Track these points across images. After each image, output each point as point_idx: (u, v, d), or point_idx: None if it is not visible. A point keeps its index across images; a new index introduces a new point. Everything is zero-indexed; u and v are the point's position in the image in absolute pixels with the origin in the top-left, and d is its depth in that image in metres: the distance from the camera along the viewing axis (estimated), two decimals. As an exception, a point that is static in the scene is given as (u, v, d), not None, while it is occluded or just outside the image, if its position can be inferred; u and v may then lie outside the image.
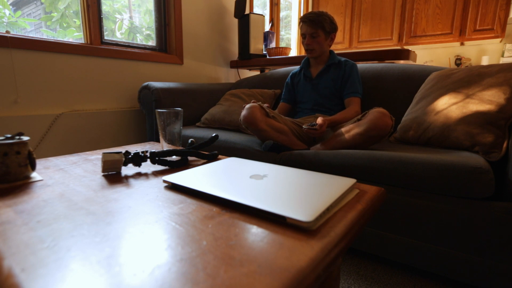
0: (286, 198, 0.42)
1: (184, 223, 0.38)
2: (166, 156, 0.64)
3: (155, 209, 0.42)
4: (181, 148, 0.72)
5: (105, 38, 1.67)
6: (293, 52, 3.70)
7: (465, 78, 1.13)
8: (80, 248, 0.32)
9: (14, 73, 1.31)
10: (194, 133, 1.49)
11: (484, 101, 1.02)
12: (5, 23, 1.35)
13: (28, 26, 1.44)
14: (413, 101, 1.26)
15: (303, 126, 1.17)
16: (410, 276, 0.96)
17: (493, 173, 0.79)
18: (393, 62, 1.68)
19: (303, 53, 3.80)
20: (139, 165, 0.62)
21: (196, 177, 0.52)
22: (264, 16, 2.26)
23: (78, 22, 1.58)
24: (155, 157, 0.63)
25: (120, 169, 0.61)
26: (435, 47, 3.38)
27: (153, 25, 1.98)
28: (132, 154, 0.62)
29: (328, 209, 0.40)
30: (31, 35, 1.41)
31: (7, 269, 0.28)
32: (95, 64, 1.59)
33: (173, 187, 0.52)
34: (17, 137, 0.57)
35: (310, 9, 3.83)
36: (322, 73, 1.46)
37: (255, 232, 0.35)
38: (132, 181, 0.55)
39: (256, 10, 3.00)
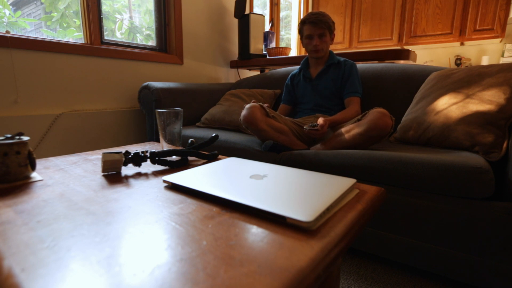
0: (286, 198, 0.42)
1: (184, 223, 0.38)
2: (166, 156, 0.64)
3: (155, 209, 0.42)
4: (181, 148, 0.72)
5: (105, 38, 1.67)
6: (293, 52, 3.70)
7: (465, 78, 1.13)
8: (80, 248, 0.32)
9: (14, 73, 1.31)
10: (194, 133, 1.49)
11: (484, 101, 1.02)
12: (5, 23, 1.35)
13: (28, 26, 1.44)
14: (413, 101, 1.26)
15: (304, 127, 1.17)
16: (410, 276, 0.96)
17: (493, 173, 0.79)
18: (393, 62, 1.68)
19: (303, 53, 3.80)
20: (139, 165, 0.62)
21: (196, 177, 0.52)
22: (264, 16, 2.26)
23: (78, 22, 1.58)
24: (155, 157, 0.63)
25: (120, 169, 0.61)
26: (435, 47, 3.38)
27: (153, 25, 1.98)
28: (132, 154, 0.62)
29: (328, 209, 0.40)
30: (31, 35, 1.41)
31: (7, 269, 0.28)
32: (95, 64, 1.59)
33: (173, 187, 0.52)
34: (17, 137, 0.57)
35: (310, 9, 3.83)
36: (322, 73, 1.46)
37: (255, 232, 0.35)
38: (132, 181, 0.55)
39: (256, 10, 3.00)
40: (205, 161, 0.72)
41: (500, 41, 3.04)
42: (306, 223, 0.35)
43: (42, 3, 1.47)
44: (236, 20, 2.51)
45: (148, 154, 0.73)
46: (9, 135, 0.56)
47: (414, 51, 1.82)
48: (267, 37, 2.46)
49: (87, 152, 0.81)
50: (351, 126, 1.12)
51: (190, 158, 0.74)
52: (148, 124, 1.66)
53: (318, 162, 1.03)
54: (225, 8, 2.38)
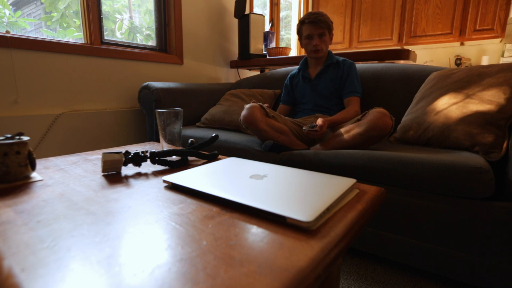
0: (286, 198, 0.42)
1: (184, 223, 0.38)
2: (166, 156, 0.64)
3: (155, 209, 0.42)
4: (181, 148, 0.72)
5: (105, 38, 1.67)
6: (293, 52, 3.70)
7: (465, 78, 1.13)
8: (80, 248, 0.32)
9: (14, 73, 1.31)
10: (194, 133, 1.49)
11: (484, 101, 1.02)
12: (5, 23, 1.35)
13: (28, 26, 1.44)
14: (413, 101, 1.26)
15: (303, 128, 1.17)
16: (410, 276, 0.96)
17: (493, 173, 0.79)
18: (393, 62, 1.68)
19: (303, 53, 3.80)
20: (139, 165, 0.62)
21: (196, 177, 0.52)
22: (264, 16, 2.26)
23: (78, 22, 1.58)
24: (155, 157, 0.63)
25: (120, 169, 0.61)
26: (435, 47, 3.38)
27: (153, 25, 1.98)
28: (132, 154, 0.62)
29: (328, 209, 0.40)
30: (31, 35, 1.41)
31: (7, 269, 0.28)
32: (95, 64, 1.59)
33: (173, 187, 0.52)
34: (17, 137, 0.57)
35: (310, 9, 3.83)
36: (321, 73, 1.46)
37: (255, 232, 0.35)
38: (132, 181, 0.55)
39: (256, 10, 3.00)
40: (205, 161, 0.72)
41: (500, 41, 3.04)
42: (306, 223, 0.35)
43: (42, 3, 1.47)
44: (236, 20, 2.51)
45: (148, 154, 0.73)
46: (9, 135, 0.56)
47: (414, 51, 1.82)
48: (267, 37, 2.46)
49: (87, 152, 0.81)
50: (351, 126, 1.12)
51: (190, 158, 0.74)
52: (148, 124, 1.66)
53: (318, 162, 1.03)
54: (225, 8, 2.38)
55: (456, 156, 0.88)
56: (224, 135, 1.37)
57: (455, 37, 3.02)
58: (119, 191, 0.50)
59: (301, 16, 3.68)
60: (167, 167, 0.65)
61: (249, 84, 1.99)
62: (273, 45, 2.53)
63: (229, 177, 0.52)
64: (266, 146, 1.15)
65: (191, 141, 0.79)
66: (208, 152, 0.98)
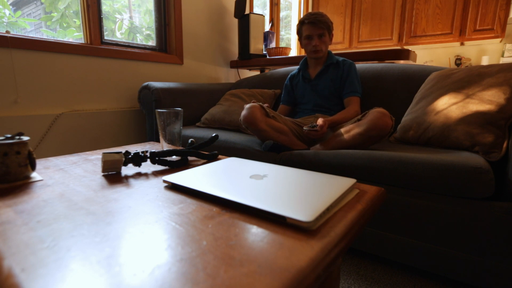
0: (286, 198, 0.42)
1: (184, 223, 0.38)
2: (166, 156, 0.64)
3: (155, 209, 0.42)
4: (181, 148, 0.72)
5: (105, 38, 1.67)
6: (293, 52, 3.70)
7: (465, 78, 1.13)
8: (80, 248, 0.32)
9: (14, 73, 1.31)
10: (194, 133, 1.49)
11: (484, 101, 1.02)
12: (5, 23, 1.35)
13: (28, 26, 1.44)
14: (413, 101, 1.26)
15: (304, 128, 1.17)
16: (410, 276, 0.96)
17: (493, 173, 0.79)
18: (393, 62, 1.68)
19: (303, 53, 3.80)
20: (139, 165, 0.62)
21: (196, 177, 0.52)
22: (264, 16, 2.26)
23: (78, 22, 1.58)
24: (155, 157, 0.63)
25: (120, 169, 0.61)
26: (435, 47, 3.38)
27: (153, 25, 1.98)
28: (132, 154, 0.62)
29: (328, 209, 0.40)
30: (31, 35, 1.41)
31: (7, 269, 0.28)
32: (95, 64, 1.59)
33: (173, 187, 0.52)
34: (17, 137, 0.57)
35: (310, 9, 3.83)
36: (321, 73, 1.46)
37: (255, 232, 0.35)
38: (132, 181, 0.55)
39: (256, 10, 3.00)
40: (205, 161, 0.72)
41: (500, 41, 3.04)
42: (306, 223, 0.35)
43: (42, 3, 1.47)
44: (236, 20, 2.51)
45: (148, 154, 0.73)
46: (9, 135, 0.56)
47: (414, 51, 1.82)
48: (267, 37, 2.46)
49: (87, 152, 0.81)
50: (351, 126, 1.12)
51: (190, 158, 0.74)
52: (148, 124, 1.66)
53: (318, 162, 1.03)
54: (225, 8, 2.38)
55: (456, 156, 0.88)
56: (224, 135, 1.37)
57: (455, 37, 3.02)
58: (119, 191, 0.50)
59: (301, 16, 3.68)
60: (167, 167, 0.65)
61: (249, 84, 1.99)
62: (273, 45, 2.53)
63: (229, 177, 0.52)
64: (266, 146, 1.15)
65: (191, 141, 0.79)
66: (208, 152, 0.98)
